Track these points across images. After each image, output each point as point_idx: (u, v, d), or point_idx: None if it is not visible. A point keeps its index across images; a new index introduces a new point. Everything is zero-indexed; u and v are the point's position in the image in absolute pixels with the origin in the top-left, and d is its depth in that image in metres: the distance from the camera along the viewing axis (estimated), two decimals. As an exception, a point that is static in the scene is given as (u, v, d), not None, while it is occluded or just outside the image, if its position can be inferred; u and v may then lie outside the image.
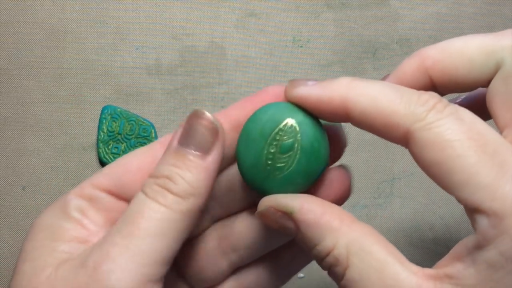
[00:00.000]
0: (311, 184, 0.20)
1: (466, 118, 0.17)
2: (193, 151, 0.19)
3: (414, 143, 0.17)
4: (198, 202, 0.18)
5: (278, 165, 0.20)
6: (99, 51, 0.37)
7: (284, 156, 0.20)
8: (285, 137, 0.20)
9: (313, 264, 0.40)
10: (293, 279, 0.36)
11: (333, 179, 0.21)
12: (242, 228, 0.22)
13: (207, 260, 0.22)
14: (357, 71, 0.38)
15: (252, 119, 0.20)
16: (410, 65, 0.20)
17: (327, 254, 0.18)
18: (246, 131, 0.20)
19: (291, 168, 0.20)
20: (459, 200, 0.16)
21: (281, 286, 0.24)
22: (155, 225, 0.18)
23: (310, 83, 0.19)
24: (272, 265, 0.23)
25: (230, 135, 0.21)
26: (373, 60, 0.38)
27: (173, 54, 0.37)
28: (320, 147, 0.20)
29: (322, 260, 0.18)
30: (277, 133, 0.20)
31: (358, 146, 0.38)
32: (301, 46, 0.38)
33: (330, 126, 0.21)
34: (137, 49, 0.37)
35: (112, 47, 0.37)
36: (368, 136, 0.37)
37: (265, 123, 0.20)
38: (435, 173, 0.16)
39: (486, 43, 0.18)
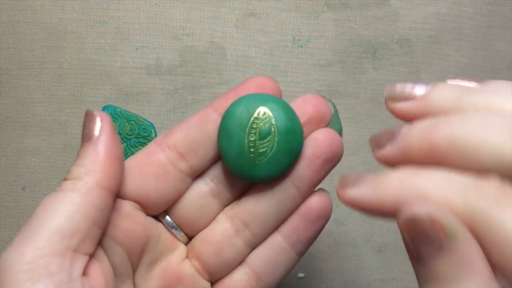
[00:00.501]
0: (293, 162, 0.22)
1: None
2: (85, 142, 0.21)
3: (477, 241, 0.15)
4: (94, 180, 0.20)
5: (261, 150, 0.22)
6: (99, 51, 0.37)
7: (264, 141, 0.22)
8: (261, 124, 0.22)
9: (313, 264, 0.40)
10: (293, 279, 0.36)
11: (320, 138, 0.22)
12: (250, 204, 0.23)
13: (223, 241, 0.24)
14: (357, 71, 0.38)
15: (227, 115, 0.22)
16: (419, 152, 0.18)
17: None
18: (225, 126, 0.22)
19: (273, 150, 0.22)
20: None
21: (289, 272, 0.24)
22: (48, 207, 0.19)
23: (361, 180, 0.18)
24: (278, 246, 0.24)
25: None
26: (373, 60, 0.38)
27: (173, 54, 0.37)
28: (295, 126, 0.22)
29: None
30: (253, 122, 0.22)
31: (357, 147, 0.38)
32: (301, 46, 0.38)
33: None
34: (137, 49, 0.37)
35: (112, 47, 0.37)
36: (368, 136, 0.37)
37: (241, 115, 0.22)
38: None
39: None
